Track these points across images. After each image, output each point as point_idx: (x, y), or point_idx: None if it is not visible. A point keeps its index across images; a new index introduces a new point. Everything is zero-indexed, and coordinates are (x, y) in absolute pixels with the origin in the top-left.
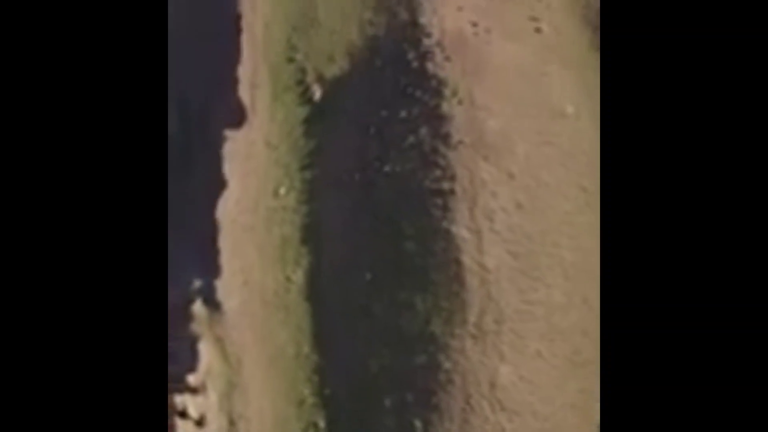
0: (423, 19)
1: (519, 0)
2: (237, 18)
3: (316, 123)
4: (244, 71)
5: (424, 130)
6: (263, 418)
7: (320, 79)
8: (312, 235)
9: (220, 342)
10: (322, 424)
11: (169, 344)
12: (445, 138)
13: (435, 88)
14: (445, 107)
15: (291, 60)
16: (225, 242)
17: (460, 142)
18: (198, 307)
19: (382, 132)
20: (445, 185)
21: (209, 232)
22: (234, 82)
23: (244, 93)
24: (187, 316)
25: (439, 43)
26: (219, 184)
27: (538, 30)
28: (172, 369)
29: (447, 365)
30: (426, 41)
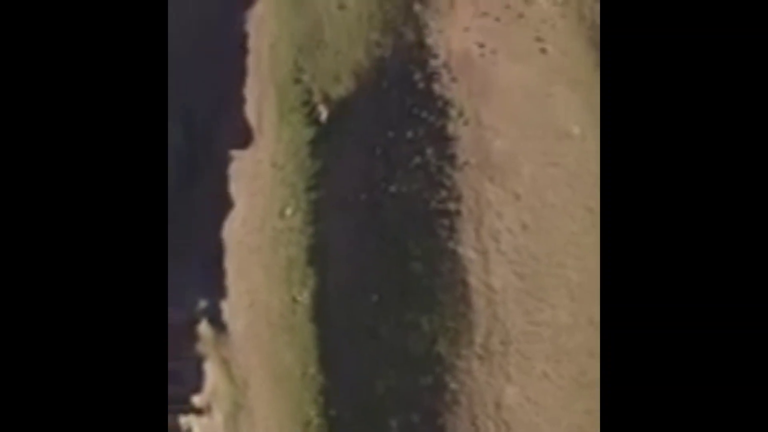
0: (429, 41)
1: (525, 21)
2: (243, 38)
3: (323, 143)
4: (250, 91)
5: (430, 151)
6: None
7: (326, 99)
8: (318, 256)
9: (225, 363)
10: None
11: (175, 365)
12: (451, 159)
13: (441, 108)
14: (451, 128)
15: (297, 81)
16: (231, 263)
17: (466, 162)
18: (204, 328)
19: (388, 153)
20: (451, 206)
21: (215, 252)
22: (240, 102)
23: (250, 113)
24: (193, 337)
25: (445, 64)
26: (225, 204)
27: (543, 51)
28: (177, 390)
29: (453, 386)
30: (432, 62)
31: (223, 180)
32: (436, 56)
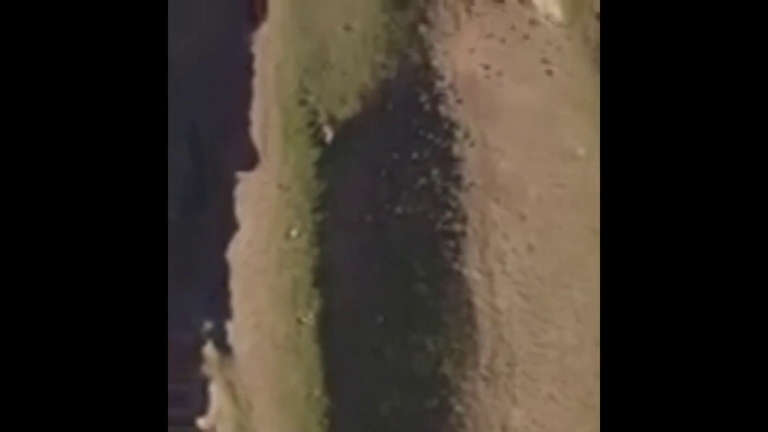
0: (435, 62)
1: (530, 43)
2: (249, 60)
3: (328, 165)
4: (255, 113)
5: (435, 172)
6: None
7: (332, 121)
8: (323, 277)
9: (230, 385)
10: None
11: (180, 387)
12: (457, 180)
13: (447, 130)
14: (456, 149)
15: (303, 102)
16: (236, 285)
17: (472, 184)
18: (209, 350)
19: (393, 174)
20: (457, 227)
21: (221, 274)
22: (246, 123)
23: (256, 135)
24: (198, 359)
25: (451, 86)
26: (231, 226)
27: (549, 73)
28: (182, 412)
29: (458, 408)
30: (438, 84)
31: (229, 202)
32: (441, 78)
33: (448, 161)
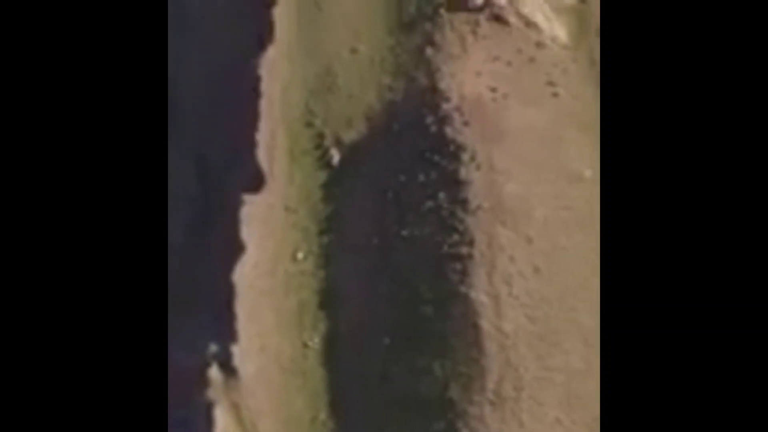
0: (442, 84)
1: (536, 66)
2: (255, 82)
3: (335, 187)
4: (262, 135)
5: (442, 195)
6: None
7: (338, 143)
8: (329, 299)
9: (235, 408)
10: None
11: (184, 411)
12: (464, 203)
13: (453, 152)
14: (463, 172)
15: (309, 124)
16: (242, 307)
17: (479, 206)
18: (214, 373)
19: (400, 196)
20: (464, 250)
21: (226, 296)
22: (252, 146)
23: (262, 157)
24: (203, 382)
25: (457, 108)
26: (237, 248)
27: (555, 95)
28: None
29: None
30: (445, 106)
31: (234, 224)
32: (448, 100)
33: (455, 184)
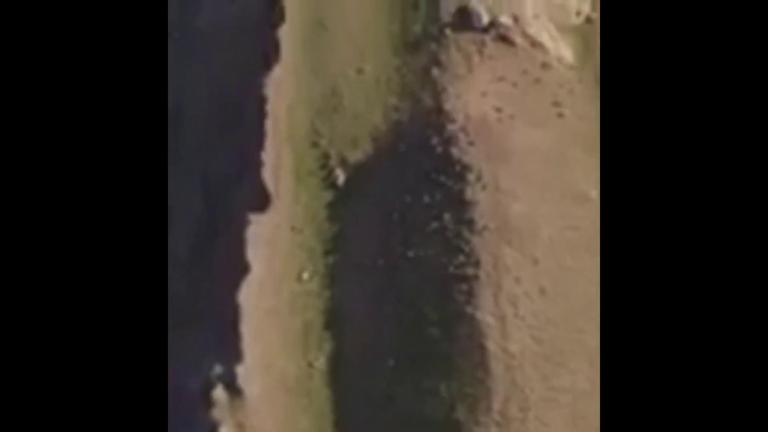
0: (447, 105)
1: (542, 86)
2: (261, 102)
3: (340, 207)
4: (267, 155)
5: (448, 215)
6: None
7: (344, 163)
8: (335, 320)
9: (240, 428)
10: None
11: (189, 431)
12: (469, 223)
13: (459, 173)
14: (469, 192)
15: (315, 144)
16: (247, 327)
17: (484, 227)
18: (219, 393)
19: (405, 217)
20: (469, 270)
21: (231, 316)
22: (258, 165)
23: (267, 177)
24: (208, 402)
25: (463, 129)
26: (242, 268)
27: (561, 115)
28: None
29: None
30: (450, 126)
31: (240, 244)
32: (453, 121)
33: (461, 204)
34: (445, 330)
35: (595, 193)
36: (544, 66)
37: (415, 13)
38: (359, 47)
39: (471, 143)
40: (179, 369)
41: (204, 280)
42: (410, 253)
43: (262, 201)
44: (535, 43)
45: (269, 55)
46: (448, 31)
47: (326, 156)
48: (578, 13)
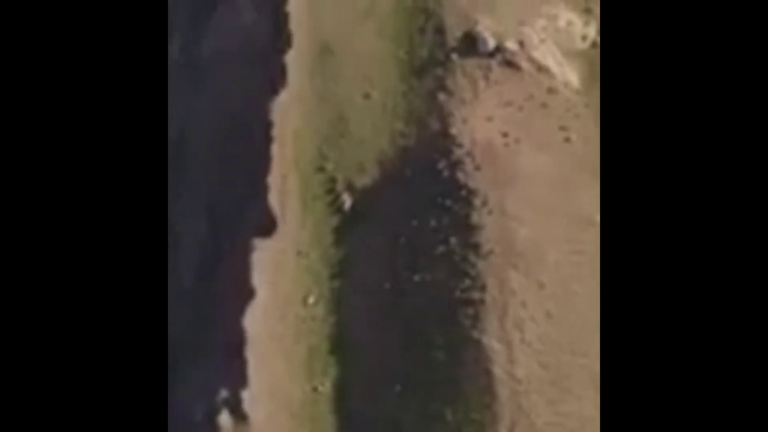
0: (454, 130)
1: (548, 111)
2: (268, 127)
3: (346, 232)
4: (274, 180)
5: (454, 240)
6: None
7: (350, 188)
8: (340, 345)
9: None
10: None
11: None
12: (476, 247)
13: (465, 197)
14: (475, 217)
15: (321, 169)
16: (252, 352)
17: (491, 251)
18: (224, 418)
19: (412, 241)
20: (476, 295)
21: (237, 341)
22: (264, 190)
23: (274, 201)
24: (214, 427)
25: (469, 153)
26: (248, 293)
27: (567, 140)
28: None
29: None
30: (456, 151)
31: (246, 268)
32: (460, 145)
33: (467, 229)
34: (452, 354)
35: (600, 217)
36: (550, 90)
37: (421, 39)
38: (366, 72)
39: (477, 168)
40: (184, 394)
41: (209, 306)
42: (416, 277)
43: (268, 226)
44: (541, 68)
45: (276, 80)
46: (454, 56)
47: (333, 180)
48: (584, 38)
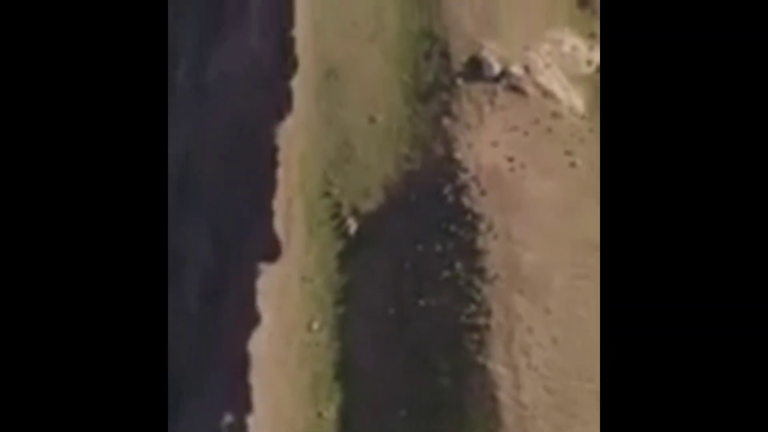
0: (458, 155)
1: (553, 136)
2: (273, 151)
3: (351, 257)
4: (279, 205)
5: (459, 265)
6: None
7: (355, 213)
8: (345, 370)
9: None
10: None
11: None
12: (481, 272)
13: (470, 222)
14: (480, 242)
15: (326, 194)
16: (257, 378)
17: (496, 276)
18: None
19: (417, 266)
20: (481, 320)
21: (241, 366)
22: (269, 215)
23: (278, 226)
24: None
25: (474, 178)
26: (252, 318)
27: (572, 165)
28: None
29: None
30: (462, 176)
31: (250, 293)
32: (465, 170)
33: (472, 254)
34: (457, 380)
35: None
36: (556, 115)
37: (426, 63)
38: (371, 97)
39: (482, 192)
40: (188, 419)
41: (214, 330)
42: (422, 303)
43: (273, 251)
44: (546, 93)
45: (281, 105)
46: (459, 81)
47: (338, 205)
48: (588, 63)
